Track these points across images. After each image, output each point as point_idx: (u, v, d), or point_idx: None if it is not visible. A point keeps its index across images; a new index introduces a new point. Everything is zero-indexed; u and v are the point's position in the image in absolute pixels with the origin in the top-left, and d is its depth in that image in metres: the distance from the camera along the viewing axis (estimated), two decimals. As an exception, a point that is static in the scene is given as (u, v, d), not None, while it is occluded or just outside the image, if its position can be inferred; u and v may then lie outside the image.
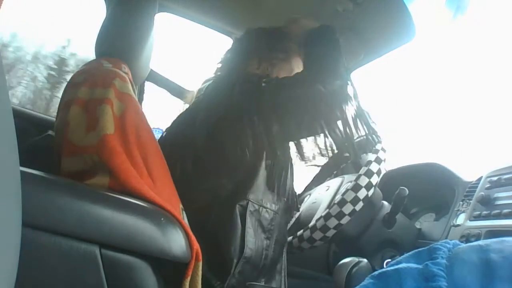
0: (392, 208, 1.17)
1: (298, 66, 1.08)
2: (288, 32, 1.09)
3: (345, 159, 1.51)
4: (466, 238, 0.98)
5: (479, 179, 1.13)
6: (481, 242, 0.46)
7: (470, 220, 1.03)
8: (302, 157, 0.96)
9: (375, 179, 1.09)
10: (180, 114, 1.09)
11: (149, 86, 1.52)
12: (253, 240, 0.88)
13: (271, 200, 0.94)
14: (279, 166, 0.96)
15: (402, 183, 1.16)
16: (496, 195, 1.02)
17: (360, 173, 1.11)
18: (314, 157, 0.96)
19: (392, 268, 0.49)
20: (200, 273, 0.65)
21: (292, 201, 1.02)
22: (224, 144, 0.89)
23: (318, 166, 1.57)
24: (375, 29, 1.28)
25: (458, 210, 1.11)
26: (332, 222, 1.08)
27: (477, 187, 1.10)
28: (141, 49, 0.90)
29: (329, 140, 0.92)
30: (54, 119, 0.82)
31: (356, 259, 0.94)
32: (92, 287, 0.56)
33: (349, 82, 0.93)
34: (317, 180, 1.61)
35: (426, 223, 1.31)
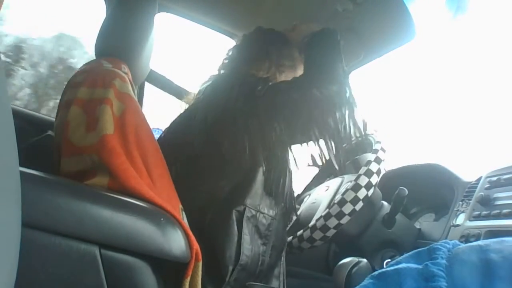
0: (392, 208, 1.17)
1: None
2: (290, 39, 1.08)
3: (345, 159, 1.51)
4: (466, 238, 0.98)
5: (479, 179, 1.12)
6: (480, 242, 0.47)
7: (470, 220, 1.03)
8: (296, 163, 0.96)
9: (375, 179, 1.09)
10: (180, 115, 1.09)
11: (149, 86, 1.52)
12: (250, 247, 0.87)
13: (269, 205, 0.93)
14: (276, 171, 0.94)
15: (402, 183, 1.16)
16: (495, 195, 1.02)
17: (360, 173, 1.10)
18: (314, 162, 0.95)
19: (392, 268, 0.49)
20: (200, 273, 0.65)
21: (290, 206, 1.01)
22: (221, 146, 0.88)
23: (318, 166, 1.57)
24: (375, 29, 1.28)
25: (457, 210, 1.11)
26: (332, 222, 1.08)
27: (476, 187, 1.10)
28: (141, 49, 0.90)
29: (319, 148, 0.91)
30: (54, 119, 0.82)
31: (356, 259, 0.93)
32: (92, 287, 0.56)
33: (347, 88, 0.92)
34: (317, 180, 1.61)
35: (425, 223, 1.30)
